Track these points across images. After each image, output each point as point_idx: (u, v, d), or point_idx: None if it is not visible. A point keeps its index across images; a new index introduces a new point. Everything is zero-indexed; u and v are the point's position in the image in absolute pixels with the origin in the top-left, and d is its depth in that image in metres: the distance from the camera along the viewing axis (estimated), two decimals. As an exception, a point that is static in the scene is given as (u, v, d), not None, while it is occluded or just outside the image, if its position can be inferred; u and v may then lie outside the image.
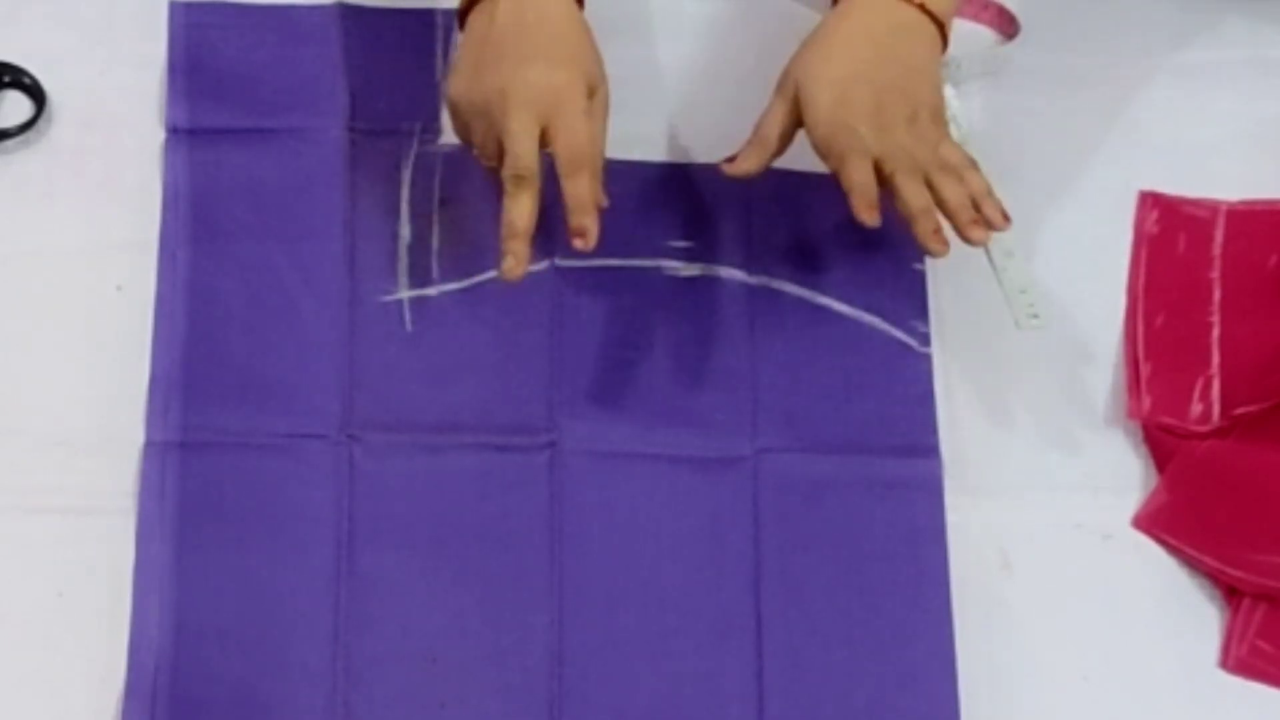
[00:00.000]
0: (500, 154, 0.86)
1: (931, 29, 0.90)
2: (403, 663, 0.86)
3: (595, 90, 0.87)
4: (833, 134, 0.88)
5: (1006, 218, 0.89)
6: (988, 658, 0.88)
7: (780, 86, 0.90)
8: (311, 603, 0.86)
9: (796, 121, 0.90)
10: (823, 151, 0.89)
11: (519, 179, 0.85)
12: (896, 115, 0.88)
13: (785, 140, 0.91)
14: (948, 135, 0.90)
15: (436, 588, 0.87)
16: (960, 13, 1.04)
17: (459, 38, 0.99)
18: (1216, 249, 0.99)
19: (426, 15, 1.00)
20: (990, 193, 0.89)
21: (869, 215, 0.87)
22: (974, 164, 0.90)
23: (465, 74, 0.87)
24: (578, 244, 0.86)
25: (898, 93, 0.88)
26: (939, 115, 0.90)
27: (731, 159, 0.92)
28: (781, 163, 0.98)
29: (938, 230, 0.88)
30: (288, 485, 0.88)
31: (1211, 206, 1.01)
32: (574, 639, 0.87)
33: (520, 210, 0.85)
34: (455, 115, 0.89)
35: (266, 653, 0.85)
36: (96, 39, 0.99)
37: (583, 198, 0.86)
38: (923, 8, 0.90)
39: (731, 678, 0.87)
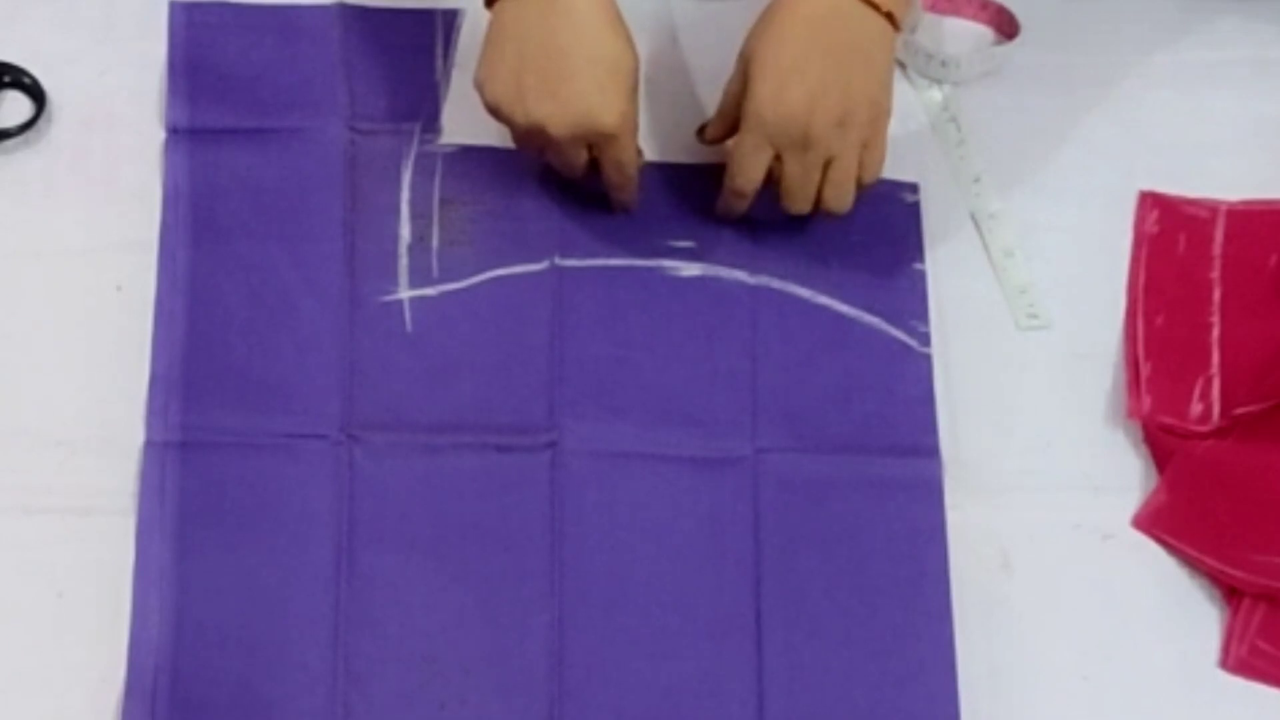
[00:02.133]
0: (540, 152, 0.91)
1: (878, 20, 0.89)
2: (403, 663, 0.86)
3: (634, 88, 0.89)
4: (773, 128, 0.89)
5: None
6: (988, 658, 0.88)
7: (740, 59, 0.91)
8: (311, 603, 0.86)
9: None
10: (744, 144, 0.91)
11: (621, 187, 0.93)
12: (828, 119, 0.88)
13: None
14: (879, 137, 0.91)
15: (436, 588, 0.87)
16: (960, 12, 1.05)
17: (458, 37, 1.00)
18: (1216, 249, 0.99)
19: (426, 15, 1.00)
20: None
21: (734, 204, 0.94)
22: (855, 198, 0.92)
23: (504, 86, 0.88)
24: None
25: (836, 91, 0.88)
26: (878, 108, 0.90)
27: (701, 130, 0.95)
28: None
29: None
30: (288, 485, 0.88)
31: (1211, 206, 1.01)
32: (574, 639, 0.87)
33: (628, 199, 0.95)
34: (492, 115, 0.90)
35: (266, 653, 0.85)
36: (96, 39, 0.99)
37: (629, 204, 0.95)
38: (870, 3, 0.89)
39: (731, 678, 0.87)
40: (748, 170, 0.91)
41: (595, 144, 0.89)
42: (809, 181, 0.91)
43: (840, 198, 0.91)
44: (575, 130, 0.88)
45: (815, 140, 0.88)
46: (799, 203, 0.92)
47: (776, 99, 0.88)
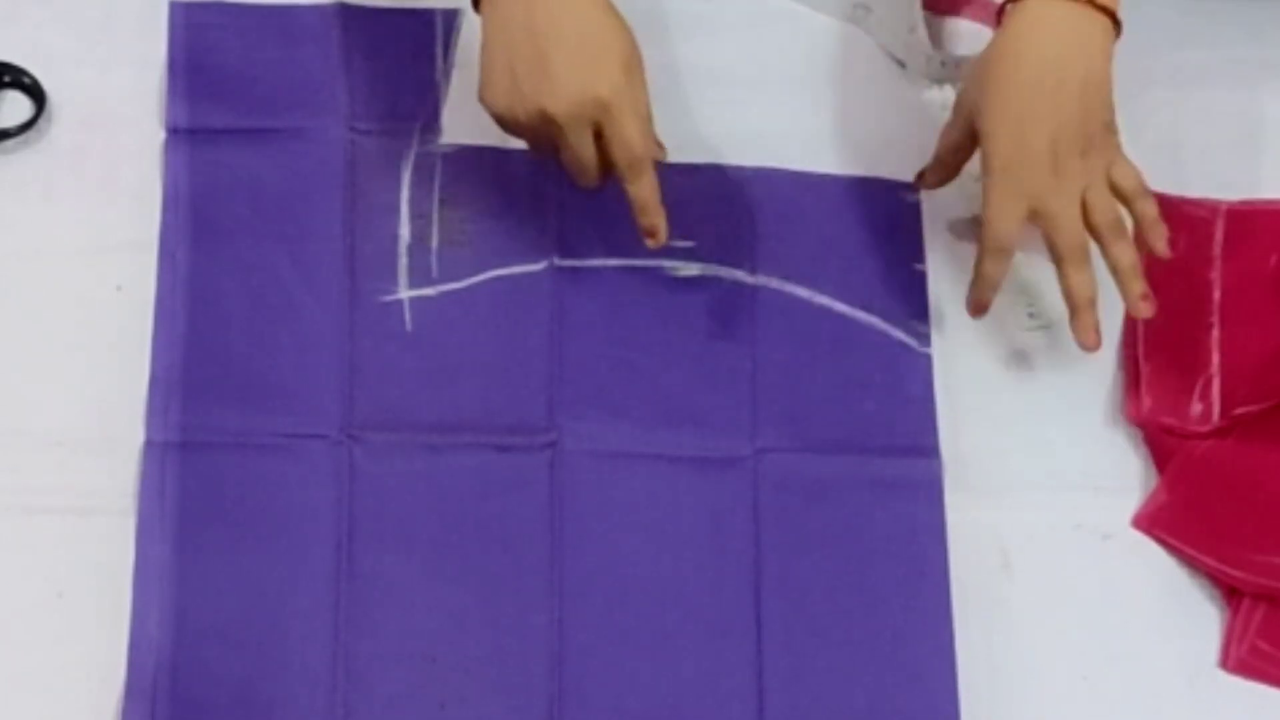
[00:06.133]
0: (556, 153, 0.89)
1: (1103, 22, 0.89)
2: (403, 663, 0.86)
3: (632, 66, 0.87)
4: (1023, 177, 0.89)
5: (1170, 245, 0.91)
6: (988, 658, 0.88)
7: (957, 107, 0.93)
8: (311, 603, 0.86)
9: (974, 142, 0.91)
10: (994, 196, 0.89)
11: (631, 167, 0.87)
12: (1071, 151, 0.88)
13: (964, 157, 0.94)
14: (1119, 154, 0.91)
15: (436, 588, 0.87)
16: (960, 13, 1.04)
17: (458, 37, 1.00)
18: (1216, 249, 0.99)
19: (426, 15, 1.00)
20: (1157, 220, 0.91)
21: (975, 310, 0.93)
22: (1144, 188, 0.91)
23: (501, 86, 0.87)
24: (649, 243, 0.89)
25: (1074, 124, 0.88)
26: (1110, 127, 0.90)
27: (920, 176, 0.97)
28: (781, 162, 0.98)
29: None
30: (288, 485, 0.88)
31: (1211, 206, 1.01)
32: (574, 639, 0.87)
33: (643, 190, 0.88)
34: (501, 124, 0.89)
35: (266, 653, 0.85)
36: (96, 39, 0.99)
37: (647, 198, 0.89)
38: (1092, 3, 0.88)
39: (731, 678, 0.87)
40: (1005, 222, 0.89)
41: (600, 123, 0.86)
42: (1072, 217, 0.89)
43: (1110, 222, 0.90)
44: (571, 103, 0.85)
45: (1067, 176, 0.88)
46: (1070, 236, 0.89)
47: (1019, 149, 0.88)
